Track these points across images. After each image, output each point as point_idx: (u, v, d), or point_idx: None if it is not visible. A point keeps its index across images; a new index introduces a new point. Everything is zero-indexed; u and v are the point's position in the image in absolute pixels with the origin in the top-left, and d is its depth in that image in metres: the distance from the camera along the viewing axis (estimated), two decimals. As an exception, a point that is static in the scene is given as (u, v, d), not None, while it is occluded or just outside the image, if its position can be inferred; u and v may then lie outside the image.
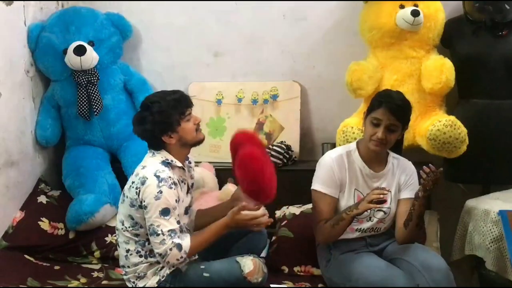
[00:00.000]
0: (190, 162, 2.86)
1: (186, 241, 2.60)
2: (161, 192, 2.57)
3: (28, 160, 3.58)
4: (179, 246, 2.57)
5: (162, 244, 2.56)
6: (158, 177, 2.60)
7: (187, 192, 2.80)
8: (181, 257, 2.59)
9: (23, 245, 3.31)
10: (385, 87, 3.32)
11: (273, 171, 2.74)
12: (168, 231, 2.57)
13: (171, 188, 2.60)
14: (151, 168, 2.64)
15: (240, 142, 2.75)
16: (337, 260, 2.86)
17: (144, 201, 2.59)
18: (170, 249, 2.56)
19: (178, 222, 2.62)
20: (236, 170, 2.70)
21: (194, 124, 2.73)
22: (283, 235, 3.24)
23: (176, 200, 2.62)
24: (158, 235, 2.57)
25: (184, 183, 2.77)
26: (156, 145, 2.71)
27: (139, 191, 2.61)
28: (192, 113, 2.74)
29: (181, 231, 2.68)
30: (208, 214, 2.89)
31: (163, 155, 2.70)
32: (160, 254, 2.58)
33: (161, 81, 3.88)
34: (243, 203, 2.65)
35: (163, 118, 2.64)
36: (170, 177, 2.62)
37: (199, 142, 2.77)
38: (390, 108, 2.74)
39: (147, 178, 2.60)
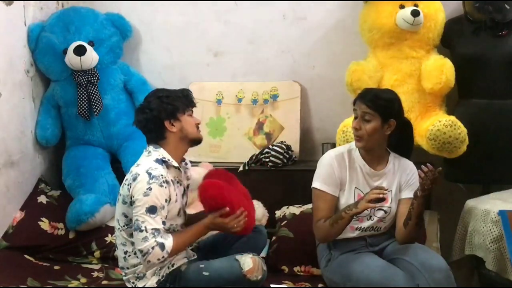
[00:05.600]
0: (186, 164, 2.86)
1: (169, 241, 2.58)
2: (150, 189, 2.57)
3: (28, 160, 3.59)
4: (162, 246, 2.55)
5: (144, 241, 2.54)
6: (149, 174, 2.59)
7: (183, 194, 2.80)
8: (163, 256, 2.56)
9: (23, 245, 3.32)
10: (385, 87, 3.32)
11: (239, 191, 2.79)
12: (152, 229, 2.55)
13: (161, 186, 2.59)
14: (144, 165, 2.64)
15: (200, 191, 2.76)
16: (337, 260, 2.85)
17: (133, 197, 2.59)
18: (153, 248, 2.53)
19: (164, 223, 2.61)
20: (203, 207, 2.73)
21: (195, 123, 2.76)
22: (283, 235, 3.24)
23: (166, 200, 2.61)
24: (141, 231, 2.55)
25: (180, 184, 2.77)
26: (157, 133, 2.70)
27: (130, 187, 2.61)
28: (193, 114, 2.77)
29: (174, 231, 2.69)
30: (194, 220, 2.87)
31: (160, 153, 2.69)
32: (141, 251, 2.56)
33: (161, 81, 3.88)
34: (226, 209, 2.64)
35: (170, 101, 2.68)
36: (162, 175, 2.61)
37: (197, 140, 2.78)
38: (362, 98, 2.79)
39: (138, 175, 2.60)
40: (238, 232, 2.70)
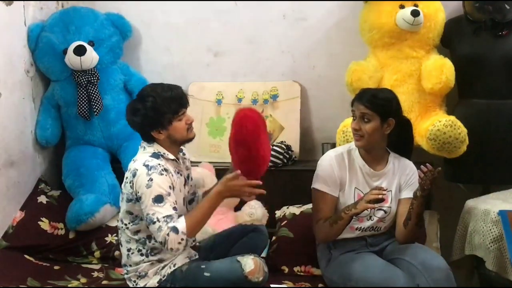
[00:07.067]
0: (184, 154, 2.86)
1: (181, 223, 2.54)
2: (151, 179, 2.56)
3: (28, 160, 3.58)
4: (174, 229, 2.52)
5: (159, 231, 2.53)
6: (147, 166, 2.59)
7: (184, 184, 2.80)
8: (182, 239, 2.53)
9: (23, 245, 3.31)
10: (385, 87, 3.31)
11: (268, 142, 2.72)
12: (164, 217, 2.53)
13: (161, 174, 2.58)
14: (140, 160, 2.64)
15: (239, 110, 2.72)
16: (337, 260, 2.86)
17: (138, 192, 2.59)
18: (168, 235, 2.51)
19: (175, 209, 2.58)
20: (232, 133, 2.65)
21: (186, 123, 2.71)
22: (283, 235, 3.24)
23: (170, 187, 2.60)
24: (154, 223, 2.54)
25: (181, 175, 2.76)
26: (146, 138, 2.72)
27: (132, 184, 2.61)
28: (186, 113, 2.72)
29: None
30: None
31: (155, 148, 2.69)
32: (161, 243, 2.55)
33: (161, 81, 3.76)
34: (238, 171, 2.60)
35: (155, 115, 2.63)
36: (159, 164, 2.61)
37: (188, 140, 2.76)
38: (360, 99, 2.80)
39: (137, 170, 2.60)
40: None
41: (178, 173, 2.74)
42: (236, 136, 2.64)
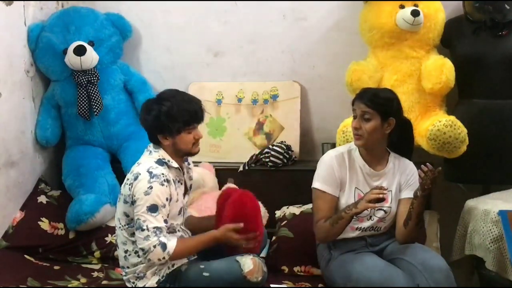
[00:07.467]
0: (189, 164, 2.86)
1: (172, 242, 2.58)
2: (151, 188, 2.57)
3: (28, 160, 3.59)
4: (163, 246, 2.55)
5: (146, 240, 2.55)
6: (150, 173, 2.60)
7: (184, 193, 2.80)
8: (163, 257, 2.57)
9: (23, 245, 3.32)
10: (385, 87, 3.32)
11: (262, 221, 2.82)
12: (154, 228, 2.55)
13: (162, 185, 2.59)
14: (145, 164, 2.65)
15: (231, 192, 2.81)
16: (337, 260, 2.86)
17: (134, 196, 2.60)
18: (154, 246, 2.54)
19: (166, 221, 2.61)
20: (228, 214, 2.70)
21: (194, 138, 2.72)
22: (283, 235, 3.25)
23: (167, 199, 2.61)
24: (143, 230, 2.56)
25: (181, 184, 2.77)
26: (153, 139, 2.73)
27: (132, 186, 2.61)
28: (197, 128, 2.73)
29: (174, 231, 2.69)
30: (197, 223, 2.89)
31: (161, 154, 2.70)
32: (142, 250, 2.57)
33: (161, 81, 3.88)
34: (241, 224, 2.64)
35: (166, 120, 2.64)
36: (162, 173, 2.62)
37: (192, 154, 2.77)
38: (361, 97, 2.81)
39: (140, 174, 2.61)
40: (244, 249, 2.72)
41: (179, 181, 2.75)
42: (235, 219, 2.67)
